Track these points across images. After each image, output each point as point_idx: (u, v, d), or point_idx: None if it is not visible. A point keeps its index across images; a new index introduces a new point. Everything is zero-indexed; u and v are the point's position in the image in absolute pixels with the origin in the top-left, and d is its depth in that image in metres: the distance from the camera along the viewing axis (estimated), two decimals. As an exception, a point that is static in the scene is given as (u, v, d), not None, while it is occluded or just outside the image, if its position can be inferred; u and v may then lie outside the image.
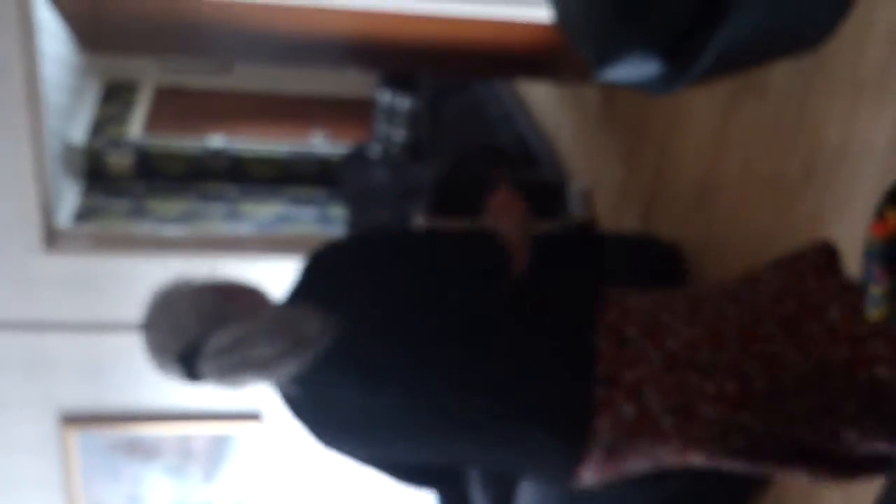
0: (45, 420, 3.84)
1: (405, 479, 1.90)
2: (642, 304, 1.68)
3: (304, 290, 1.75)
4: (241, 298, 1.74)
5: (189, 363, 1.62)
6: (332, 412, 1.71)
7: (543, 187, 4.37)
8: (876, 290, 1.32)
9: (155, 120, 6.62)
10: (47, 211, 3.54)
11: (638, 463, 1.63)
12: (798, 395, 1.59)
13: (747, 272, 1.81)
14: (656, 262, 3.22)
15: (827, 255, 1.74)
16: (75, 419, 3.84)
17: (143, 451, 3.95)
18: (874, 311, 1.35)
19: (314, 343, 1.61)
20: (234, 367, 1.60)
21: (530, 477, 1.83)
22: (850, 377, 1.58)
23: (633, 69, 2.50)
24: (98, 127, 6.39)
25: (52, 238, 3.57)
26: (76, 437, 3.87)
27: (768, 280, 1.75)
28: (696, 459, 1.61)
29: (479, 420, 1.63)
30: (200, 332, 1.62)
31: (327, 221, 6.20)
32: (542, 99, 4.92)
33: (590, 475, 1.64)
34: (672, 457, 1.62)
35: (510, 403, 1.61)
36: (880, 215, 1.29)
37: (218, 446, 3.97)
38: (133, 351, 3.70)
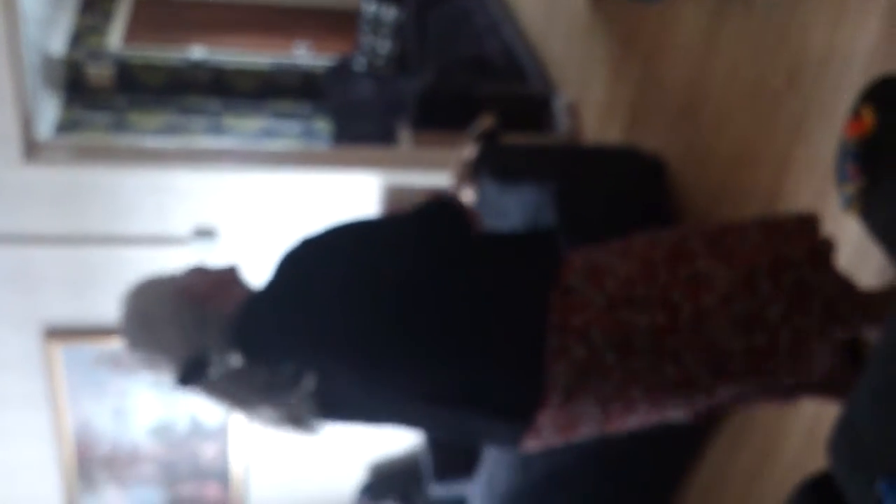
0: (28, 335, 3.84)
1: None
2: (584, 252, 1.80)
3: (278, 291, 1.79)
4: (217, 294, 1.79)
5: (187, 381, 1.74)
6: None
7: (529, 100, 4.34)
8: (849, 188, 1.32)
9: (135, 30, 6.49)
10: (27, 123, 3.49)
11: (587, 409, 1.73)
12: (724, 310, 1.70)
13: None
14: (639, 174, 3.21)
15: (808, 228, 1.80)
16: (59, 333, 3.84)
17: (127, 365, 3.97)
18: (847, 209, 1.35)
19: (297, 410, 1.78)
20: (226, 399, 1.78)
21: (486, 441, 1.95)
22: (776, 282, 1.69)
23: (619, -25, 2.46)
24: (77, 37, 6.27)
25: (33, 150, 3.53)
26: (60, 352, 3.88)
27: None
28: (636, 393, 1.72)
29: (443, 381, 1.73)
30: (187, 349, 1.73)
31: (312, 135, 6.15)
32: (529, 9, 4.84)
33: (546, 429, 1.75)
34: (616, 395, 1.73)
35: (472, 360, 1.71)
36: (855, 114, 1.28)
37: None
38: (117, 263, 3.71)
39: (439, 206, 1.87)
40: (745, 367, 1.72)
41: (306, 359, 1.74)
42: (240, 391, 1.75)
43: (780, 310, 1.70)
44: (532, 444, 1.80)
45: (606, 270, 1.76)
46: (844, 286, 1.76)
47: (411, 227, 1.83)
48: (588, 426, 1.77)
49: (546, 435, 1.76)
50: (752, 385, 1.76)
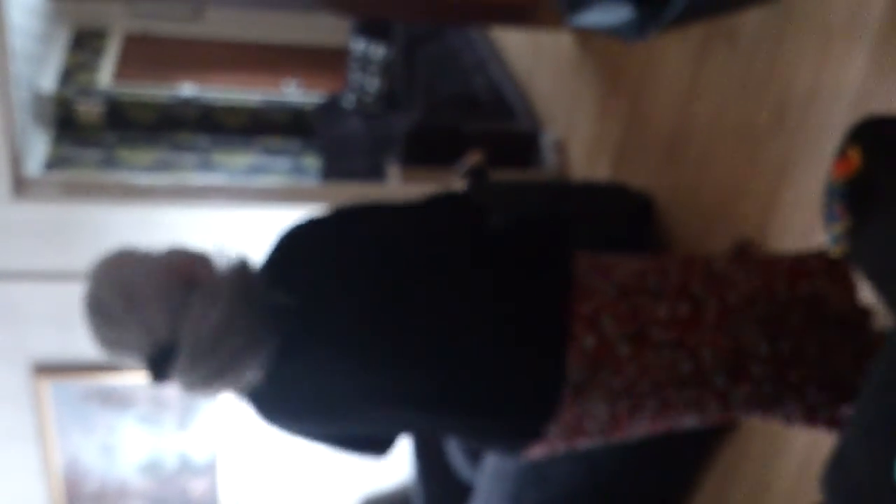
0: (17, 370, 3.83)
1: (361, 451, 1.87)
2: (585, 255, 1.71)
3: (274, 266, 1.68)
4: (202, 280, 1.60)
5: (159, 366, 1.53)
6: (291, 397, 1.69)
7: (517, 137, 4.38)
8: (836, 228, 1.34)
9: (125, 67, 6.53)
10: (16, 159, 3.50)
11: (595, 406, 1.64)
12: (746, 311, 1.63)
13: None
14: (626, 211, 3.23)
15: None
16: (48, 369, 3.83)
17: (116, 401, 3.95)
18: (835, 249, 1.37)
19: (278, 320, 1.55)
20: (207, 377, 1.53)
21: (493, 444, 1.82)
22: (792, 290, 1.64)
23: (605, 14, 2.50)
24: (67, 75, 6.30)
25: (22, 186, 3.53)
26: (49, 387, 3.86)
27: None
28: (646, 389, 1.64)
29: (454, 381, 1.63)
30: (169, 331, 1.52)
31: (301, 171, 6.17)
32: (516, 47, 4.90)
33: (553, 431, 1.67)
34: (626, 391, 1.63)
35: (486, 360, 1.62)
36: (842, 154, 1.30)
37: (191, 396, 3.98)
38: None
39: (450, 198, 1.79)
40: (768, 373, 1.63)
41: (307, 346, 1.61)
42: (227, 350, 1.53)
43: (802, 318, 1.63)
44: (537, 451, 1.71)
45: (613, 265, 1.67)
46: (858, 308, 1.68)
47: (426, 217, 1.74)
48: (593, 428, 1.67)
49: (553, 438, 1.67)
50: (770, 394, 1.67)
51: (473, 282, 1.63)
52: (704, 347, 1.61)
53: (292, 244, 1.71)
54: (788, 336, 1.63)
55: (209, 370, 1.52)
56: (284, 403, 1.72)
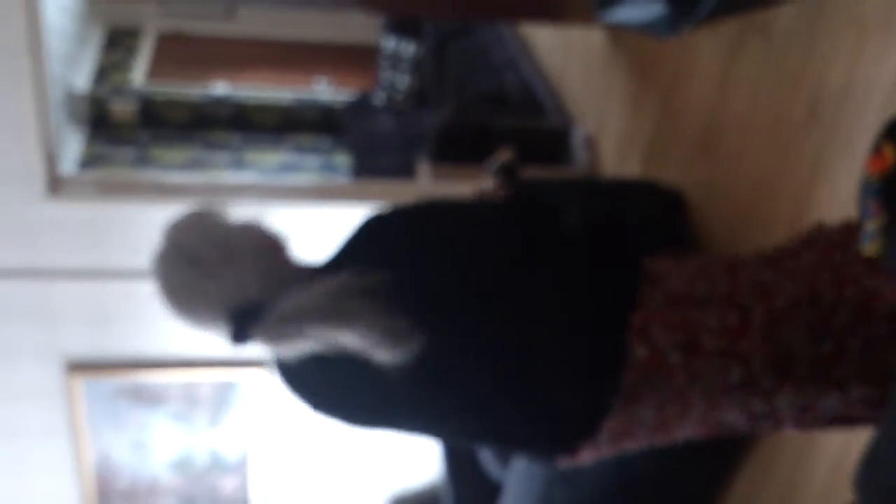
0: (50, 367, 3.87)
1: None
2: None
3: (355, 253, 1.65)
4: (288, 258, 1.62)
5: (244, 325, 1.48)
6: (346, 393, 1.68)
7: (548, 134, 4.36)
8: (871, 225, 1.32)
9: (158, 67, 6.58)
10: (51, 158, 3.54)
11: (645, 413, 1.64)
12: (791, 316, 1.61)
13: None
14: (658, 207, 3.21)
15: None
16: (81, 366, 3.86)
17: (148, 398, 3.99)
18: (869, 246, 1.35)
19: (376, 341, 1.48)
20: (290, 336, 1.46)
21: (534, 453, 1.81)
22: (839, 293, 1.62)
23: (637, 10, 2.48)
24: (101, 74, 6.36)
25: (56, 185, 3.57)
26: (82, 384, 3.90)
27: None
28: (696, 397, 1.63)
29: (507, 386, 1.62)
30: (260, 292, 1.49)
31: (332, 169, 6.19)
32: (546, 44, 4.88)
33: (603, 437, 1.66)
34: (675, 398, 1.63)
35: (542, 365, 1.62)
36: (877, 150, 1.28)
37: (222, 393, 4.01)
38: (138, 298, 3.73)
39: (531, 202, 1.79)
40: (811, 373, 1.63)
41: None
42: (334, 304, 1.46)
43: (846, 318, 1.62)
44: (586, 455, 1.70)
45: (660, 274, 1.67)
46: None
47: (507, 220, 1.74)
48: (641, 433, 1.67)
49: (601, 443, 1.66)
50: (813, 393, 1.66)
51: (544, 288, 1.62)
52: (755, 354, 1.60)
53: (373, 236, 1.67)
54: (832, 336, 1.62)
55: (290, 340, 1.46)
56: (335, 395, 1.70)
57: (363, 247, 1.66)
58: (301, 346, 1.47)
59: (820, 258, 1.70)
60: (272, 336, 1.46)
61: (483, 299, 1.61)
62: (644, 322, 1.60)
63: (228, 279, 1.49)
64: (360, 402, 1.69)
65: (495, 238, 1.68)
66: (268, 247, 1.58)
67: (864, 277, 1.63)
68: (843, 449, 2.40)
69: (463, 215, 1.75)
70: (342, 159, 6.22)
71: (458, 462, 3.83)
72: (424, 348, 1.52)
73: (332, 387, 1.67)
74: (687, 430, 1.72)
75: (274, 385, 3.93)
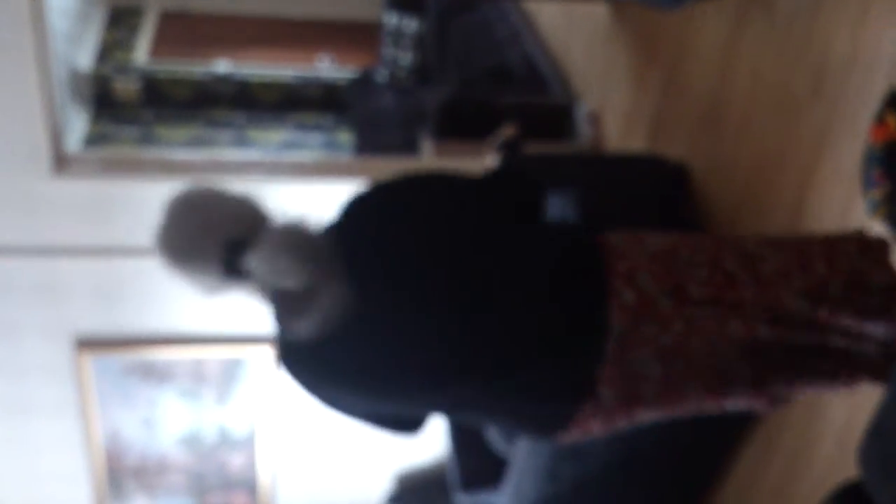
0: (59, 345, 3.89)
1: (392, 428, 1.93)
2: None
3: (340, 232, 1.74)
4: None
5: (235, 255, 1.59)
6: (335, 370, 1.73)
7: (551, 110, 4.35)
8: (875, 194, 1.33)
9: (161, 45, 6.57)
10: (56, 136, 3.54)
11: (647, 366, 1.66)
12: (784, 282, 1.65)
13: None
14: (663, 182, 3.21)
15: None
16: (89, 343, 3.89)
17: (156, 375, 4.01)
18: (874, 215, 1.36)
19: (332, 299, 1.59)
20: (276, 271, 1.55)
21: (533, 428, 1.83)
22: (832, 263, 1.65)
23: (641, -16, 2.47)
24: (105, 52, 6.35)
25: (62, 163, 3.58)
26: (90, 362, 3.92)
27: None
28: (697, 346, 1.65)
29: (499, 354, 1.67)
30: (245, 230, 1.61)
31: (334, 146, 6.18)
32: (550, 18, 4.86)
33: (610, 391, 1.67)
34: (676, 350, 1.66)
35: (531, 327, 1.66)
36: (880, 119, 1.29)
37: (230, 370, 4.03)
38: (146, 274, 3.75)
39: (512, 176, 1.85)
40: (806, 334, 1.67)
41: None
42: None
43: (839, 288, 1.65)
44: (596, 424, 1.71)
45: (645, 236, 1.73)
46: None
47: (489, 191, 1.81)
48: (648, 393, 1.69)
49: (610, 407, 1.68)
50: (811, 347, 1.69)
51: (524, 253, 1.69)
52: (746, 303, 1.63)
53: (358, 213, 1.78)
54: (828, 302, 1.64)
55: (282, 268, 1.55)
56: (332, 374, 1.74)
57: (341, 221, 1.77)
58: (284, 282, 1.55)
59: (812, 238, 1.72)
60: (260, 266, 1.55)
61: (452, 273, 1.66)
62: (629, 269, 1.65)
63: (227, 210, 1.65)
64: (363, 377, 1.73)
65: (470, 209, 1.73)
66: (247, 203, 1.69)
67: (855, 255, 1.64)
68: (847, 423, 2.42)
69: (439, 189, 1.79)
70: (345, 136, 6.22)
71: (465, 439, 3.85)
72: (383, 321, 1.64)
73: (331, 373, 1.73)
74: (695, 397, 1.72)
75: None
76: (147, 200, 3.61)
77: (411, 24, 5.50)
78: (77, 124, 5.78)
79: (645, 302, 1.63)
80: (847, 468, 2.37)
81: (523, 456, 3.07)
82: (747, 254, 1.69)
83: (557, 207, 3.01)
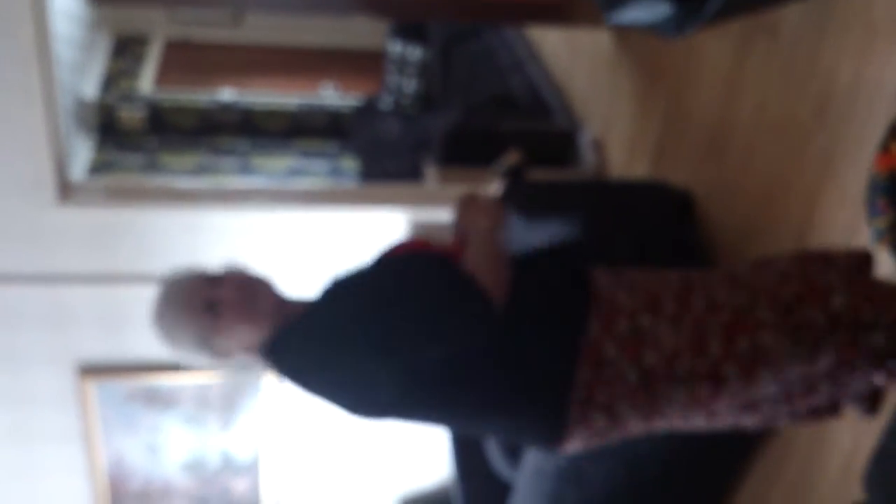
0: (63, 372, 3.89)
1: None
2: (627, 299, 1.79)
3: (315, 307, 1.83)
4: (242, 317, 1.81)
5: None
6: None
7: (555, 136, 4.37)
8: (880, 223, 1.33)
9: (166, 73, 6.61)
10: (61, 165, 3.56)
11: (629, 371, 1.71)
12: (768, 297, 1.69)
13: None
14: (667, 209, 3.21)
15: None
16: (93, 370, 3.89)
17: (160, 401, 4.01)
18: (879, 243, 1.35)
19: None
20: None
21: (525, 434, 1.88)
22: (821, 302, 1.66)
23: (644, 11, 2.48)
24: (109, 81, 6.38)
25: (67, 191, 3.59)
26: (94, 388, 3.92)
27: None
28: (683, 342, 1.70)
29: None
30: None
31: (339, 174, 6.20)
32: (553, 46, 4.89)
33: (595, 408, 1.72)
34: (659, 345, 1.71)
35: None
36: (884, 148, 1.29)
37: (233, 395, 4.02)
38: (149, 302, 3.75)
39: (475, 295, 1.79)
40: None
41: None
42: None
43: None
44: (584, 436, 1.76)
45: (617, 273, 1.83)
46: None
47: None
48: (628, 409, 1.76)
49: (596, 421, 1.73)
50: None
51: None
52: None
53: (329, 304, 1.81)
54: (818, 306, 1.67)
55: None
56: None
57: (319, 302, 1.82)
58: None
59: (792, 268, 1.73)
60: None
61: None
62: (607, 294, 1.74)
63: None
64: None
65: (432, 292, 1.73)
66: (200, 325, 1.80)
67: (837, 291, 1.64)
68: (853, 448, 2.41)
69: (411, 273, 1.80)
70: (350, 163, 6.24)
71: (469, 462, 3.83)
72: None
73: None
74: (678, 409, 1.75)
75: (285, 387, 3.95)
76: (151, 228, 3.62)
77: (415, 52, 5.53)
78: (82, 152, 5.80)
79: (613, 308, 1.73)
80: (852, 492, 2.35)
81: (527, 480, 3.05)
82: (714, 302, 1.74)
83: (562, 237, 3.02)
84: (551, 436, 1.75)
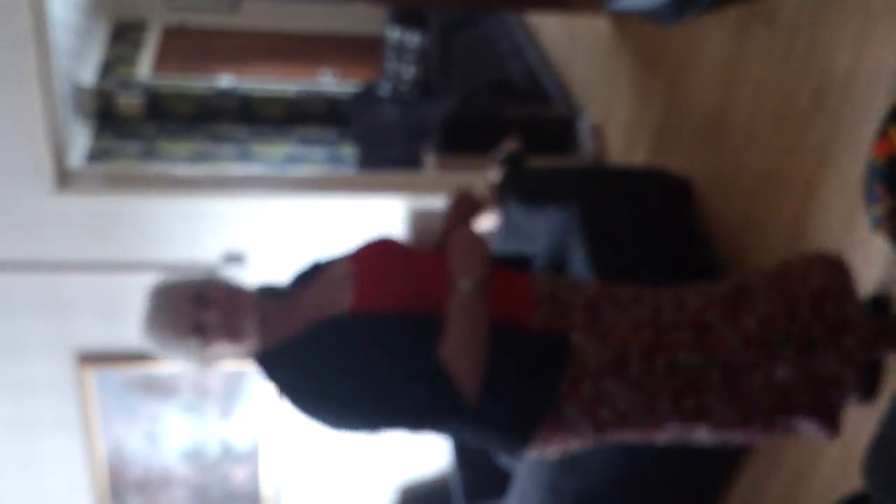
0: (62, 360, 3.89)
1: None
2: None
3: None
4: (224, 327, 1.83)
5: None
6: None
7: (554, 123, 4.36)
8: (878, 209, 1.32)
9: (163, 60, 6.59)
10: (59, 152, 3.55)
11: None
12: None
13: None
14: (666, 195, 3.21)
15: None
16: (92, 358, 3.89)
17: (159, 389, 4.01)
18: (876, 230, 1.35)
19: None
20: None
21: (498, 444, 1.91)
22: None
23: (642, -2, 2.48)
24: (107, 68, 6.37)
25: (65, 179, 3.59)
26: (93, 376, 3.92)
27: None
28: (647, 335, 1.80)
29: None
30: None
31: (338, 160, 6.19)
32: (552, 32, 4.87)
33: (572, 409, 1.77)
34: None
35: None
36: (883, 134, 1.28)
37: (233, 383, 4.03)
38: (147, 289, 3.74)
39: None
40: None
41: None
42: None
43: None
44: (563, 436, 1.80)
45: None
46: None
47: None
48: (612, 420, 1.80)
49: (572, 418, 1.78)
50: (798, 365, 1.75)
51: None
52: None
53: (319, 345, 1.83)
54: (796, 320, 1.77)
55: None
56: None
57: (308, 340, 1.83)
58: None
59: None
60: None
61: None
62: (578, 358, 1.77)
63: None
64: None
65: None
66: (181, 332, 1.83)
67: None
68: (851, 437, 2.41)
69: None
70: (348, 150, 6.23)
71: (468, 452, 3.84)
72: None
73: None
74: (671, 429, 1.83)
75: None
76: (150, 216, 3.62)
77: (414, 39, 5.51)
78: (80, 139, 5.79)
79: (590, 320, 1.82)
80: (851, 481, 2.36)
81: (526, 469, 3.06)
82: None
83: (561, 224, 3.01)
84: (513, 452, 1.82)
